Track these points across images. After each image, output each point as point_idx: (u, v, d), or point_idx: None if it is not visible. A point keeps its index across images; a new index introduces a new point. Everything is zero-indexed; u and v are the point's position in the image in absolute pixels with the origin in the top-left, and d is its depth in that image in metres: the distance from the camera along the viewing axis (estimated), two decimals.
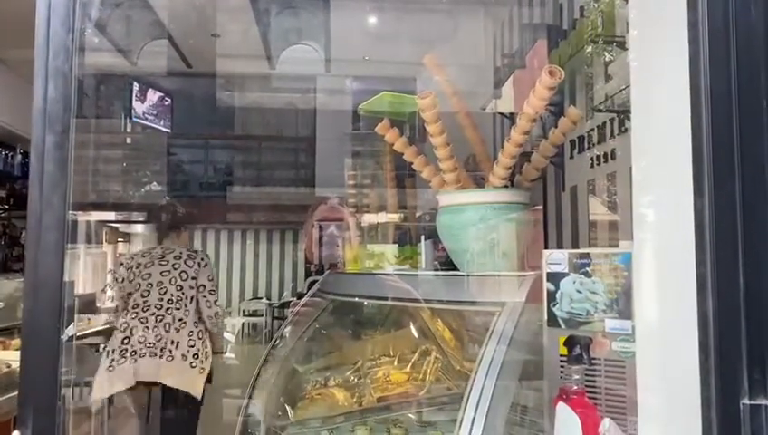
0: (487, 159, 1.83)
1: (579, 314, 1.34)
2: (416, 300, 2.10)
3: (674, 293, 0.96)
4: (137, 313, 3.22)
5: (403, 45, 5.56)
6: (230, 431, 2.63)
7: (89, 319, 5.04)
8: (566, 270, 1.37)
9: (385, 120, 1.87)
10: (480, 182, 1.82)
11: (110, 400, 5.31)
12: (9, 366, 3.81)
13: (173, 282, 3.26)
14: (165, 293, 3.24)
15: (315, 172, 9.31)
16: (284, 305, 11.31)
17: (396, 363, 2.79)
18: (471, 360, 2.44)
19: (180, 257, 3.36)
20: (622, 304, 1.29)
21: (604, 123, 3.06)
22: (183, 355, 3.20)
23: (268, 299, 11.86)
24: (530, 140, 1.90)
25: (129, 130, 10.37)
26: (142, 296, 3.25)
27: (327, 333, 2.91)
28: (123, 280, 3.32)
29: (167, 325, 3.20)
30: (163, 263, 3.32)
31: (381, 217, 2.44)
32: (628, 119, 2.82)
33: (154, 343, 3.17)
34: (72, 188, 0.79)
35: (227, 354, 9.73)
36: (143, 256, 3.42)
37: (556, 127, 1.72)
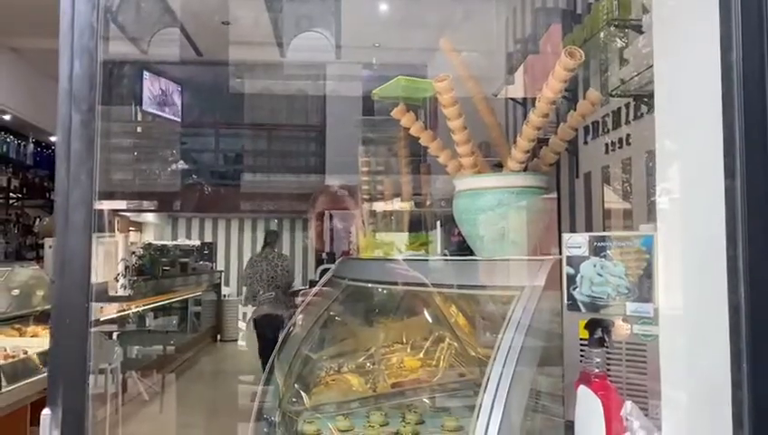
0: (504, 144, 1.81)
1: (599, 298, 1.33)
2: (431, 285, 2.09)
3: (701, 276, 0.95)
4: None
5: (414, 32, 5.53)
6: (245, 416, 2.65)
7: (101, 307, 5.08)
8: (586, 253, 1.36)
9: (401, 104, 1.86)
10: (494, 168, 1.81)
11: (124, 387, 5.37)
12: (26, 352, 3.86)
13: None
14: None
15: (325, 160, 9.30)
16: (294, 294, 11.33)
17: (409, 350, 2.79)
18: (486, 346, 2.43)
19: None
20: (644, 287, 1.28)
21: (619, 108, 3.04)
22: None
23: (290, 293, 11.90)
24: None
25: (139, 118, 10.40)
26: None
27: (341, 320, 2.92)
28: None
29: None
30: None
31: (395, 204, 2.44)
32: (644, 103, 2.79)
33: None
34: (98, 165, 0.80)
35: (240, 342, 9.82)
36: None
37: (572, 111, 1.70)
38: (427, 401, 2.45)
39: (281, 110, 9.61)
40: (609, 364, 1.28)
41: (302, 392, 2.57)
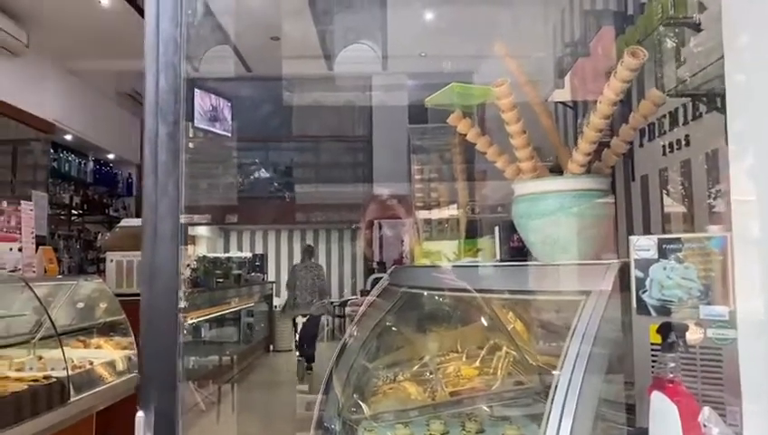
0: (562, 147, 1.79)
1: (670, 301, 1.30)
2: (489, 292, 2.08)
3: None
4: None
5: (460, 40, 5.52)
6: (302, 425, 2.67)
7: None
8: (655, 256, 1.33)
9: (457, 111, 1.86)
10: (550, 172, 1.79)
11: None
12: (91, 363, 3.99)
13: None
14: None
15: (372, 169, 9.36)
16: (343, 304, 11.44)
17: (465, 358, 2.77)
18: (547, 353, 2.40)
19: None
20: (717, 289, 1.24)
21: (676, 109, 2.96)
22: None
23: (327, 300, 12.02)
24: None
25: (191, 135, 10.68)
26: None
27: (396, 329, 2.91)
28: None
29: None
30: None
31: (451, 211, 2.43)
32: (703, 103, 2.72)
33: None
34: (183, 175, 0.83)
35: (294, 352, 9.93)
36: None
37: (633, 112, 1.67)
38: (486, 409, 2.42)
39: (328, 121, 9.74)
40: (682, 369, 1.25)
41: (360, 401, 2.58)
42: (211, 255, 9.73)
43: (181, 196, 0.85)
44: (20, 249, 3.58)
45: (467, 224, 2.34)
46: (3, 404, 2.91)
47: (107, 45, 6.71)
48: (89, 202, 7.80)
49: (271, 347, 10.84)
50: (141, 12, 4.70)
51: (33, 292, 3.53)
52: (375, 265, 7.04)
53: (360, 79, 7.84)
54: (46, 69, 6.73)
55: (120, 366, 4.27)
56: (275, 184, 11.01)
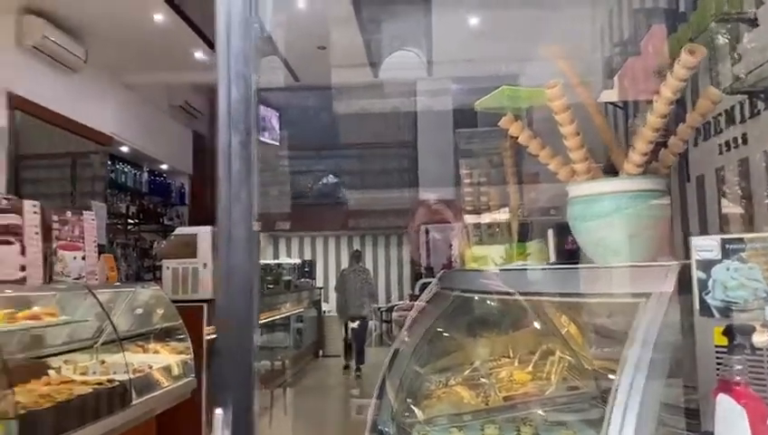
0: (617, 147, 1.77)
1: (734, 302, 1.28)
2: (543, 295, 2.07)
3: None
4: None
5: (505, 43, 5.50)
6: (355, 429, 2.70)
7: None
8: (718, 256, 1.30)
9: (509, 114, 1.86)
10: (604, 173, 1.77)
11: None
12: (150, 367, 4.12)
13: None
14: None
15: (418, 175, 9.38)
16: (390, 309, 11.48)
17: (518, 362, 2.75)
18: (604, 357, 2.37)
19: None
20: None
21: (732, 107, 2.89)
22: None
23: (375, 303, 12.09)
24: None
25: None
26: None
27: (448, 333, 2.92)
28: None
29: None
30: None
31: (501, 215, 2.43)
32: (761, 100, 2.64)
33: None
34: (256, 183, 0.87)
35: (341, 358, 10.03)
36: None
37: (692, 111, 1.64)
38: (542, 413, 2.41)
39: (373, 128, 9.81)
40: (748, 372, 1.22)
41: (413, 406, 2.59)
42: (261, 261, 9.90)
43: (254, 202, 0.89)
44: (83, 258, 3.73)
45: (519, 226, 2.33)
46: (70, 407, 3.03)
47: (160, 60, 6.94)
48: (144, 211, 8.05)
49: (320, 352, 10.94)
50: (194, 26, 4.83)
51: (97, 298, 3.67)
52: (423, 269, 7.07)
53: (405, 85, 7.88)
54: (104, 84, 7.00)
55: (177, 371, 4.40)
56: (322, 191, 11.15)
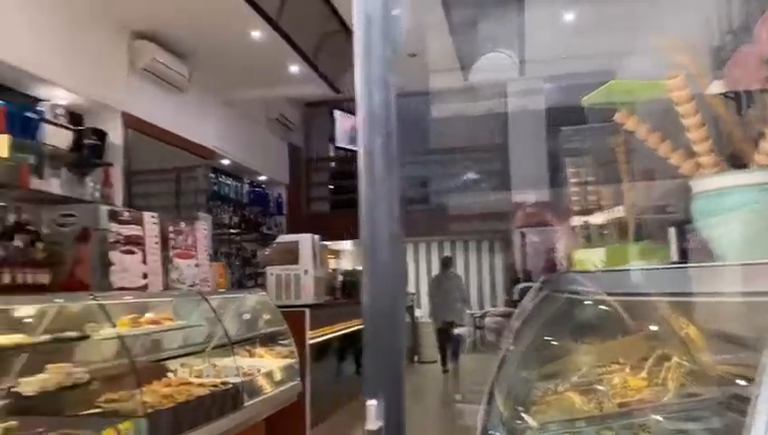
0: (744, 137, 1.67)
1: None
2: (665, 296, 1.97)
3: None
4: None
5: (603, 38, 5.33)
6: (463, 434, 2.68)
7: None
8: None
9: (623, 108, 1.80)
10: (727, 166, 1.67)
11: None
12: (259, 371, 4.27)
13: None
14: None
15: (510, 177, 9.22)
16: (483, 316, 11.33)
17: (630, 368, 2.65)
18: (733, 363, 2.23)
19: None
20: None
21: None
22: None
23: (469, 309, 11.99)
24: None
25: (332, 154, 11.18)
26: None
27: (556, 338, 2.85)
28: None
29: None
30: None
31: (614, 214, 2.35)
32: None
33: None
34: (397, 185, 0.89)
35: (438, 365, 10.02)
36: None
37: None
38: (662, 419, 2.30)
39: (464, 131, 9.75)
40: None
41: (523, 412, 2.55)
42: (357, 268, 10.07)
43: (394, 203, 0.91)
44: (196, 265, 3.93)
45: (635, 225, 2.25)
46: (190, 407, 3.20)
47: (257, 75, 7.23)
48: (245, 221, 8.38)
49: (415, 358, 10.96)
50: (290, 40, 4.97)
51: (210, 304, 3.86)
52: (521, 274, 6.95)
53: (496, 87, 7.79)
54: (206, 101, 7.37)
55: (284, 375, 4.53)
56: (414, 197, 11.19)
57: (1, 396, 2.64)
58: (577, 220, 2.74)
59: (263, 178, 9.26)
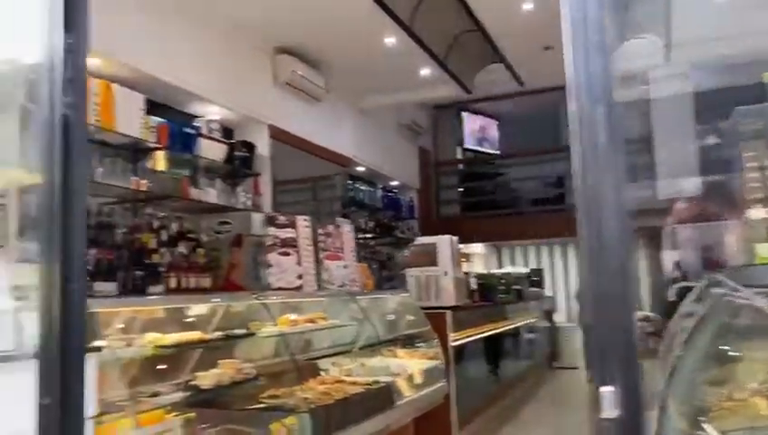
0: None
1: None
2: None
3: None
4: None
5: (760, 15, 4.87)
6: None
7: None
8: None
9: None
10: None
11: None
12: (407, 371, 4.30)
13: None
14: None
15: (656, 169, 8.65)
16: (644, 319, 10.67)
17: None
18: None
19: None
20: None
21: None
22: None
23: None
24: None
25: (460, 156, 11.12)
26: None
27: (730, 340, 2.63)
28: None
29: None
30: None
31: None
32: None
33: None
34: (623, 162, 0.85)
35: (580, 371, 9.61)
36: None
37: None
38: None
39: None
40: None
41: (699, 418, 2.37)
42: (490, 271, 9.93)
43: (621, 177, 0.86)
44: (345, 267, 4.04)
45: None
46: (347, 404, 3.28)
47: (390, 82, 7.35)
48: (380, 226, 8.53)
49: (553, 363, 10.60)
50: (422, 44, 4.98)
51: (358, 304, 3.95)
52: (679, 273, 6.48)
53: (638, 74, 7.35)
54: (342, 110, 7.61)
55: (430, 376, 4.53)
56: (546, 197, 10.87)
57: (180, 388, 2.84)
58: (756, 212, 2.50)
59: (395, 183, 9.40)
